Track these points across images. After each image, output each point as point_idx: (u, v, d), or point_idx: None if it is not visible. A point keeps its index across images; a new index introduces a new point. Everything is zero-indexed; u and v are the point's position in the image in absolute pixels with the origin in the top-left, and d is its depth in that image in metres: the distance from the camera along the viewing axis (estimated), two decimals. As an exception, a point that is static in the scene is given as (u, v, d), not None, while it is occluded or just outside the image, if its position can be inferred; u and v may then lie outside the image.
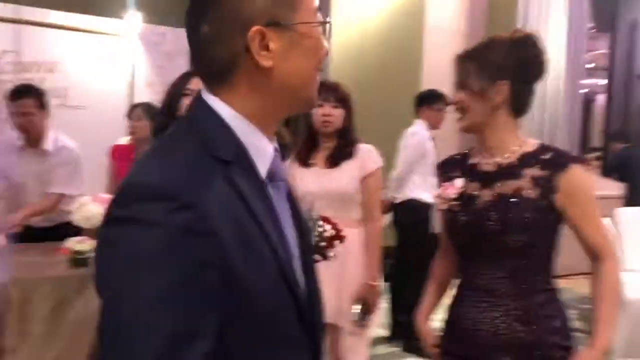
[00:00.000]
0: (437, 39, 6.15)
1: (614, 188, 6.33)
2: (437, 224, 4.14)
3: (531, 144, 1.56)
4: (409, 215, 3.87)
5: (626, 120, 8.35)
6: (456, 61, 1.59)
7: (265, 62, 0.77)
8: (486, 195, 1.54)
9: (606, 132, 8.05)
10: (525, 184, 1.50)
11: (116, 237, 0.68)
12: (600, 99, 9.09)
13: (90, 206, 2.72)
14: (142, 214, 0.67)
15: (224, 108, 0.79)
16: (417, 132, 3.98)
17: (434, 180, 3.85)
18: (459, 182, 1.58)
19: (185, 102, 2.21)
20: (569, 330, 1.54)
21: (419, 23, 5.98)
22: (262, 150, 0.80)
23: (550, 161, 1.50)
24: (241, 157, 0.78)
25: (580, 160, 1.58)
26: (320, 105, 2.33)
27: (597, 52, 8.85)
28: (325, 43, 0.83)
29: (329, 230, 1.34)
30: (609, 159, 6.95)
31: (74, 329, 2.47)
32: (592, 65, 8.91)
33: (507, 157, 1.54)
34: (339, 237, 1.38)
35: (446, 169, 1.67)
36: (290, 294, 0.80)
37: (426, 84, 5.10)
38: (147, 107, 3.43)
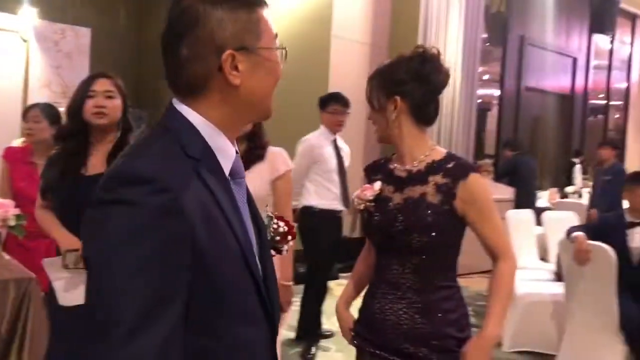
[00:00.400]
0: (343, 47, 6.32)
1: (505, 192, 6.77)
2: (346, 228, 4.24)
3: (440, 153, 1.68)
4: (304, 222, 3.80)
5: (516, 129, 8.96)
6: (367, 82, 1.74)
7: (235, 81, 0.92)
8: (397, 198, 1.67)
9: (498, 140, 8.58)
10: (429, 190, 1.62)
11: (102, 216, 0.80)
12: (496, 109, 9.70)
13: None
14: (125, 196, 0.79)
15: (195, 115, 0.92)
16: (308, 139, 3.92)
17: (332, 186, 3.94)
18: (377, 185, 1.70)
19: (90, 103, 2.16)
20: (465, 323, 1.66)
21: (325, 32, 6.12)
22: (225, 151, 0.94)
23: (452, 170, 1.61)
24: (208, 155, 0.91)
25: (477, 169, 1.72)
26: None
27: (491, 65, 9.43)
28: (281, 65, 0.97)
29: (282, 227, 1.40)
30: (500, 165, 7.43)
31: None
32: (488, 77, 9.50)
33: (416, 164, 1.66)
34: (291, 233, 1.44)
35: (370, 172, 1.79)
36: (250, 274, 0.92)
37: (332, 90, 5.22)
38: (45, 108, 3.26)
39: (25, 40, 5.59)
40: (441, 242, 1.61)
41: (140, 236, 0.78)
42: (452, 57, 6.90)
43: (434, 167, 1.64)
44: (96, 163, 2.16)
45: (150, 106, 5.12)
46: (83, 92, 2.18)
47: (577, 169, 8.60)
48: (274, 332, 1.02)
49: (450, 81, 6.49)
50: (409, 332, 1.61)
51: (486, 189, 1.65)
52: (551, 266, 4.67)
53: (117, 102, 2.19)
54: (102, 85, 2.19)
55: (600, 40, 10.36)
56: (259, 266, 0.97)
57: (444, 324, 1.60)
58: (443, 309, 1.61)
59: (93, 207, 0.83)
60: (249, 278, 0.93)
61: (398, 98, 1.63)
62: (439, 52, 1.68)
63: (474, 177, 1.60)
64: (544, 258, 5.13)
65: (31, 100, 4.71)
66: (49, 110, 3.23)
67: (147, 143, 0.92)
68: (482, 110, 9.73)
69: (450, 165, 1.62)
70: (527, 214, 5.27)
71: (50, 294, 2.19)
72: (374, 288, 1.71)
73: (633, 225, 3.55)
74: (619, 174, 5.82)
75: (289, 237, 1.41)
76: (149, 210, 0.79)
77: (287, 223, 1.42)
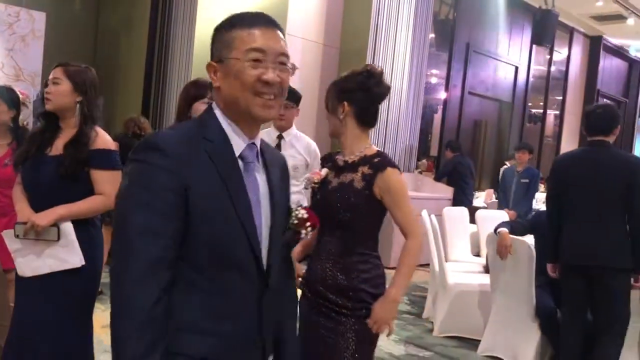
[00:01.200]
0: (297, 46, 6.54)
1: (444, 191, 7.16)
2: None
3: (372, 150, 2.11)
4: None
5: (459, 132, 9.40)
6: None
7: (215, 83, 1.24)
8: (334, 182, 2.11)
9: (441, 142, 8.98)
10: (357, 177, 2.06)
11: (127, 170, 1.17)
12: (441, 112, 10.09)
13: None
14: (141, 157, 1.15)
15: (217, 109, 1.25)
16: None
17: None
18: (324, 171, 2.16)
19: (47, 90, 2.35)
20: (379, 283, 2.08)
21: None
22: (236, 139, 1.24)
23: (376, 164, 2.04)
24: (221, 139, 1.22)
25: (395, 165, 2.08)
26: None
27: (439, 69, 9.83)
28: (252, 72, 1.21)
29: (302, 214, 1.68)
30: (441, 166, 7.82)
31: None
32: (436, 81, 9.89)
33: (353, 157, 2.10)
34: (311, 220, 1.71)
35: (323, 161, 2.27)
36: (245, 233, 1.20)
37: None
38: (3, 92, 3.33)
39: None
40: (361, 218, 2.04)
41: (140, 184, 1.14)
42: (401, 59, 7.23)
43: (364, 160, 2.06)
44: (59, 145, 2.33)
45: (107, 92, 5.19)
46: (46, 80, 2.39)
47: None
48: (266, 289, 1.25)
49: (398, 82, 6.83)
50: (332, 285, 2.05)
51: (399, 181, 2.04)
52: (482, 260, 5.05)
53: (62, 87, 2.33)
54: (53, 73, 2.38)
55: (540, 51, 10.95)
56: (267, 244, 1.25)
57: (359, 281, 2.03)
58: (359, 270, 2.04)
59: (126, 163, 1.19)
60: (242, 235, 1.19)
61: (346, 103, 2.07)
62: (382, 70, 2.13)
63: (390, 171, 2.02)
64: (478, 253, 5.51)
65: (-16, 84, 4.71)
66: (7, 94, 3.30)
67: (180, 125, 1.37)
68: (430, 113, 10.14)
69: (375, 160, 2.05)
70: (462, 211, 5.65)
71: None
72: (314, 250, 2.16)
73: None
74: (534, 177, 6.34)
75: (308, 224, 1.67)
76: (153, 169, 1.14)
77: (308, 211, 1.70)
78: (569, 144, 11.99)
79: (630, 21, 10.41)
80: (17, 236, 2.25)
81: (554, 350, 3.72)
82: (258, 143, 1.29)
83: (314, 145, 3.47)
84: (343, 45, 7.05)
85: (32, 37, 5.66)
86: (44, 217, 2.22)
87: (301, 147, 3.78)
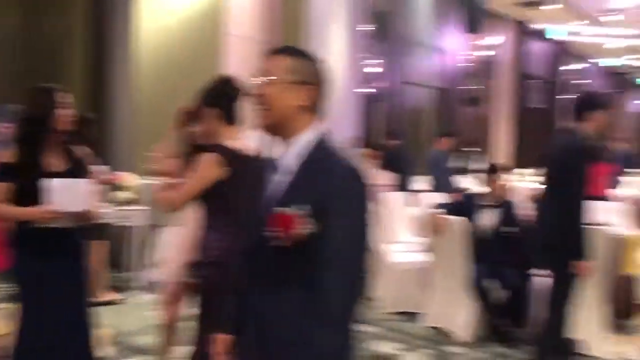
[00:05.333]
0: (236, 45, 6.71)
1: (389, 178, 7.49)
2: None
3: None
4: None
5: (400, 120, 9.78)
6: None
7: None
8: None
9: (382, 131, 9.32)
10: None
11: None
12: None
13: None
14: None
15: None
16: None
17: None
18: None
19: None
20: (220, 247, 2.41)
21: (217, 29, 6.47)
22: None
23: (211, 148, 2.40)
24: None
25: (213, 150, 2.38)
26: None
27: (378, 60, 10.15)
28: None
29: None
30: (385, 154, 8.14)
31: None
32: (381, 70, 10.20)
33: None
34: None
35: None
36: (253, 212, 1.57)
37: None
38: None
39: None
40: (207, 196, 2.39)
41: None
42: (338, 50, 7.51)
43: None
44: None
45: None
46: None
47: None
48: (259, 256, 1.51)
49: (337, 75, 6.99)
50: (198, 249, 2.52)
51: (203, 164, 2.37)
52: (424, 240, 5.41)
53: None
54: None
55: (472, 39, 11.47)
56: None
57: (208, 248, 2.43)
58: (210, 239, 2.42)
59: None
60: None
61: (216, 108, 2.50)
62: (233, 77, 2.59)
63: (205, 155, 2.37)
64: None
65: None
66: None
67: None
68: (374, 103, 10.49)
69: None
70: (400, 196, 6.02)
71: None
72: None
73: (486, 207, 4.32)
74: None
75: None
76: None
77: None
78: (504, 124, 12.64)
79: (547, 7, 11.10)
80: None
81: (486, 315, 4.13)
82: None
83: None
84: (284, 41, 7.26)
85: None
86: None
87: None
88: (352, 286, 1.44)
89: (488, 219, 4.29)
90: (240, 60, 6.67)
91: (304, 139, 1.50)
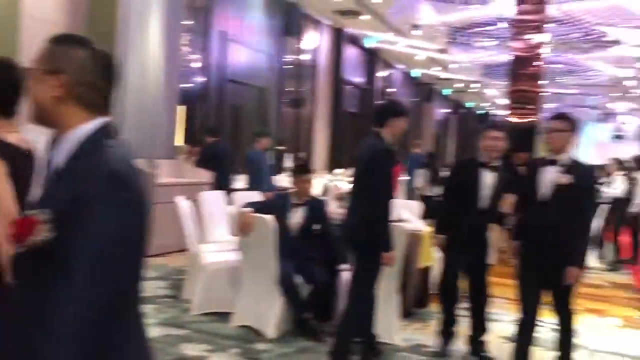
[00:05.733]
0: (35, 28, 6.10)
1: (204, 175, 7.37)
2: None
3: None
4: None
5: (221, 118, 9.68)
6: None
7: None
8: None
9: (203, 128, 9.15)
10: None
11: None
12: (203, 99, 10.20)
13: None
14: None
15: None
16: None
17: None
18: None
19: None
20: None
21: (14, 11, 5.83)
22: None
23: None
24: None
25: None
26: None
27: (198, 56, 9.94)
28: None
29: None
30: (203, 151, 7.99)
31: None
32: (200, 65, 9.97)
33: None
34: None
35: None
36: None
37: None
38: None
39: None
40: None
41: None
42: (154, 44, 7.20)
43: None
44: None
45: None
46: None
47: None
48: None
49: (151, 68, 6.74)
50: None
51: None
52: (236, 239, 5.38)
53: None
54: None
55: (292, 41, 11.76)
56: None
57: None
58: None
59: None
60: None
61: None
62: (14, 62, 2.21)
63: None
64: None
65: None
66: None
67: None
68: (196, 99, 10.23)
69: None
70: (218, 194, 5.93)
71: None
72: None
73: (295, 205, 4.41)
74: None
75: None
76: None
77: None
78: (321, 126, 13.15)
79: (364, 17, 11.78)
80: None
81: (293, 311, 4.22)
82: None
83: None
84: (90, 27, 6.76)
85: None
86: None
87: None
88: (97, 304, 1.21)
89: (297, 217, 4.40)
90: (39, 44, 6.07)
91: (76, 135, 1.33)
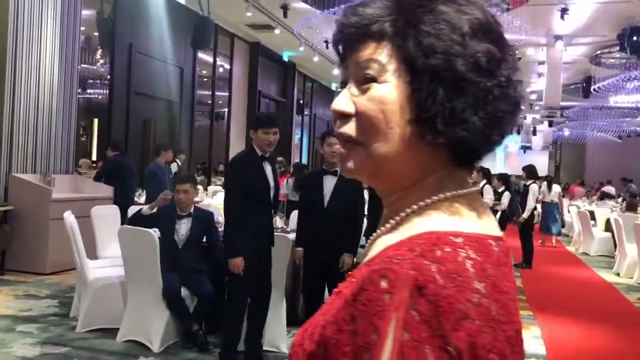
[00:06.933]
0: None
1: (104, 190, 7.20)
2: None
3: None
4: None
5: (127, 131, 9.48)
6: None
7: None
8: None
9: (107, 142, 8.95)
10: None
11: None
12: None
13: None
14: None
15: None
16: None
17: None
18: None
19: None
20: None
21: None
22: None
23: None
24: None
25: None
26: None
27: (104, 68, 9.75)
28: None
29: None
30: (103, 165, 7.83)
31: None
32: (107, 77, 9.76)
33: None
34: None
35: None
36: None
37: None
38: None
39: None
40: None
41: None
42: (49, 55, 7.02)
43: None
44: None
45: None
46: None
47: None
48: None
49: (48, 80, 6.60)
50: None
51: None
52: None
53: None
54: None
55: (205, 54, 11.73)
56: None
57: None
58: None
59: None
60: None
61: None
62: None
63: None
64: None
65: None
66: None
67: None
68: (94, 112, 10.01)
69: None
70: (113, 209, 5.83)
71: None
72: None
73: (181, 216, 4.42)
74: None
75: None
76: None
77: None
78: (236, 138, 13.15)
79: (277, 31, 11.90)
80: None
81: (180, 324, 4.21)
82: None
83: None
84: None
85: None
86: None
87: None
88: None
89: (183, 228, 4.41)
90: None
91: None
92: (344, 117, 0.69)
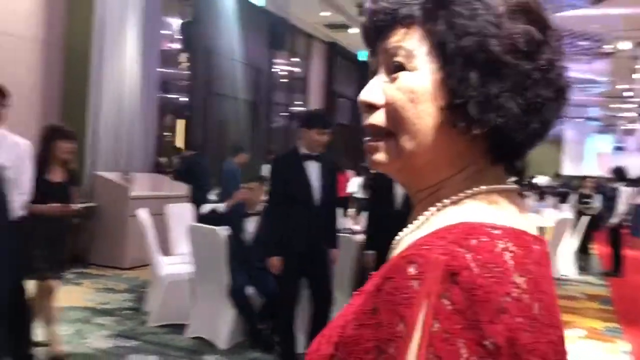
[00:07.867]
0: (9, 45, 6.20)
1: (181, 189, 7.39)
2: None
3: None
4: None
5: (205, 132, 9.72)
6: None
7: None
8: None
9: (187, 142, 9.24)
10: None
11: None
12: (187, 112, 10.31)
13: None
14: None
15: None
16: None
17: None
18: None
19: None
20: None
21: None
22: None
23: None
24: None
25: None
26: None
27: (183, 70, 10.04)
28: None
29: None
30: (180, 164, 8.05)
31: None
32: (184, 83, 10.08)
33: None
34: None
35: None
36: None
37: None
38: None
39: None
40: None
41: None
42: (130, 59, 7.29)
43: None
44: None
45: None
46: None
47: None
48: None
49: (128, 82, 6.84)
50: None
51: None
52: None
53: None
54: None
55: (282, 55, 11.85)
56: None
57: None
58: None
59: None
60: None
61: None
62: None
63: None
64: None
65: None
66: None
67: None
68: (177, 113, 10.33)
69: None
70: (185, 207, 5.96)
71: None
72: None
73: (250, 215, 4.43)
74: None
75: None
76: None
77: None
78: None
79: (353, 30, 11.82)
80: None
81: (245, 323, 4.22)
82: None
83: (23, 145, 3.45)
84: (67, 42, 6.87)
85: None
86: None
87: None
88: None
89: (251, 226, 4.41)
90: (16, 62, 6.18)
91: None
92: (372, 108, 0.66)
